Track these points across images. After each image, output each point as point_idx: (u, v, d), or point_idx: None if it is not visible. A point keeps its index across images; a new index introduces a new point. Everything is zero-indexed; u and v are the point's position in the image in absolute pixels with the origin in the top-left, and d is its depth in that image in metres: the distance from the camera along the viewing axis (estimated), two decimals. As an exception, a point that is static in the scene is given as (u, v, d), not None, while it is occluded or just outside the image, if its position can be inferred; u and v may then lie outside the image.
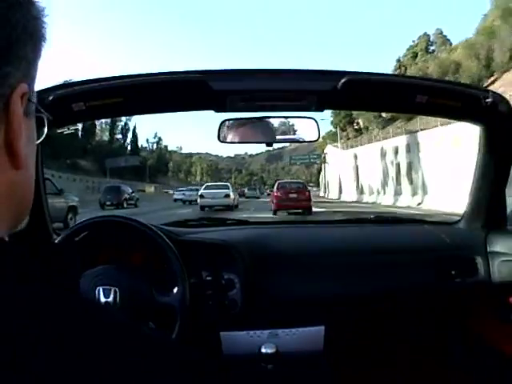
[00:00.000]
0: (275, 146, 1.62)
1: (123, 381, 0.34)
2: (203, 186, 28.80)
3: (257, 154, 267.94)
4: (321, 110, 1.57)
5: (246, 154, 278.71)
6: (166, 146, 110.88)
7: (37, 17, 0.46)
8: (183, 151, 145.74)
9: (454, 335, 1.96)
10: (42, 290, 0.37)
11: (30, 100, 0.47)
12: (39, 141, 0.55)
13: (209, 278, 1.59)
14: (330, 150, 64.18)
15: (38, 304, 0.35)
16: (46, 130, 0.57)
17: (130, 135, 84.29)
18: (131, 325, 0.39)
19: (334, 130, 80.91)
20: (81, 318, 0.36)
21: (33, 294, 0.36)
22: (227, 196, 25.45)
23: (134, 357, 0.36)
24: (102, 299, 1.28)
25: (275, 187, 23.04)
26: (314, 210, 21.74)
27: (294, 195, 21.42)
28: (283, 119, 1.60)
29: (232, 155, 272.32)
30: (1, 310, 0.33)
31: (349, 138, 66.32)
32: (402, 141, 34.90)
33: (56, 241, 1.46)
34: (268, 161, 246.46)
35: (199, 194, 26.59)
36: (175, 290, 1.39)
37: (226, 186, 28.38)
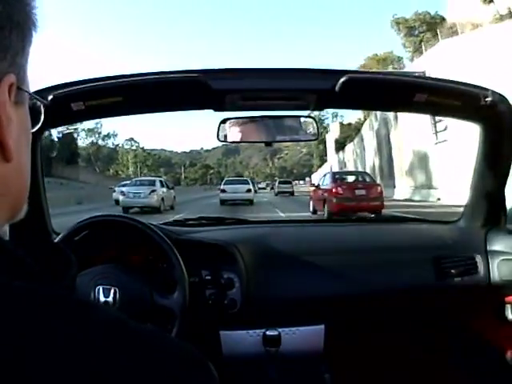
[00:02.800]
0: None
1: (120, 378, 0.33)
2: (223, 181, 29.11)
3: (213, 149, 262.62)
4: (320, 108, 1.58)
5: (201, 149, 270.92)
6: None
7: (24, 5, 0.45)
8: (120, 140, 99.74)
9: (454, 334, 1.97)
10: (39, 288, 0.37)
11: (21, 88, 0.46)
12: (35, 129, 0.54)
13: (208, 277, 1.60)
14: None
15: (36, 302, 0.35)
16: (42, 117, 0.56)
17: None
18: (130, 322, 0.39)
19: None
20: (79, 316, 0.36)
21: (30, 292, 0.36)
22: (249, 191, 26.34)
23: (132, 354, 0.35)
24: (102, 298, 1.30)
25: (329, 179, 16.34)
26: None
27: (363, 191, 15.16)
28: (282, 118, 1.60)
29: (187, 150, 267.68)
30: None
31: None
32: None
33: (56, 240, 1.45)
34: (225, 155, 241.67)
35: (221, 188, 27.06)
36: (175, 293, 1.39)
37: (246, 180, 29.50)
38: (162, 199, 20.72)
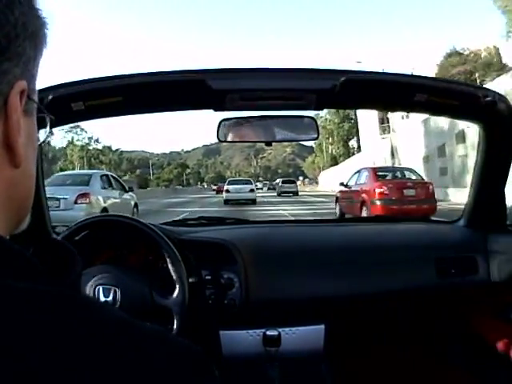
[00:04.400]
0: (212, 140, 1.61)
1: (126, 378, 0.34)
2: (227, 182, 29.74)
3: (193, 150, 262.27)
4: (320, 108, 1.57)
5: (182, 150, 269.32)
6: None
7: (38, 17, 0.46)
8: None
9: (454, 334, 1.98)
10: (44, 289, 0.37)
11: (30, 98, 0.47)
12: (42, 141, 0.55)
13: (208, 277, 1.60)
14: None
15: (40, 303, 0.35)
16: (48, 130, 0.57)
17: None
18: (135, 322, 0.39)
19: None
20: (84, 316, 0.36)
21: (35, 293, 0.36)
22: (252, 190, 27.18)
23: (138, 354, 0.36)
24: (102, 298, 1.30)
25: (368, 177, 13.14)
26: None
27: (412, 191, 12.46)
28: (282, 118, 1.60)
29: (167, 152, 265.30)
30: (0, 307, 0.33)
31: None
32: None
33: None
34: (205, 155, 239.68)
35: (225, 188, 27.80)
36: (175, 292, 1.39)
37: (249, 181, 30.19)
38: (105, 210, 10.79)
